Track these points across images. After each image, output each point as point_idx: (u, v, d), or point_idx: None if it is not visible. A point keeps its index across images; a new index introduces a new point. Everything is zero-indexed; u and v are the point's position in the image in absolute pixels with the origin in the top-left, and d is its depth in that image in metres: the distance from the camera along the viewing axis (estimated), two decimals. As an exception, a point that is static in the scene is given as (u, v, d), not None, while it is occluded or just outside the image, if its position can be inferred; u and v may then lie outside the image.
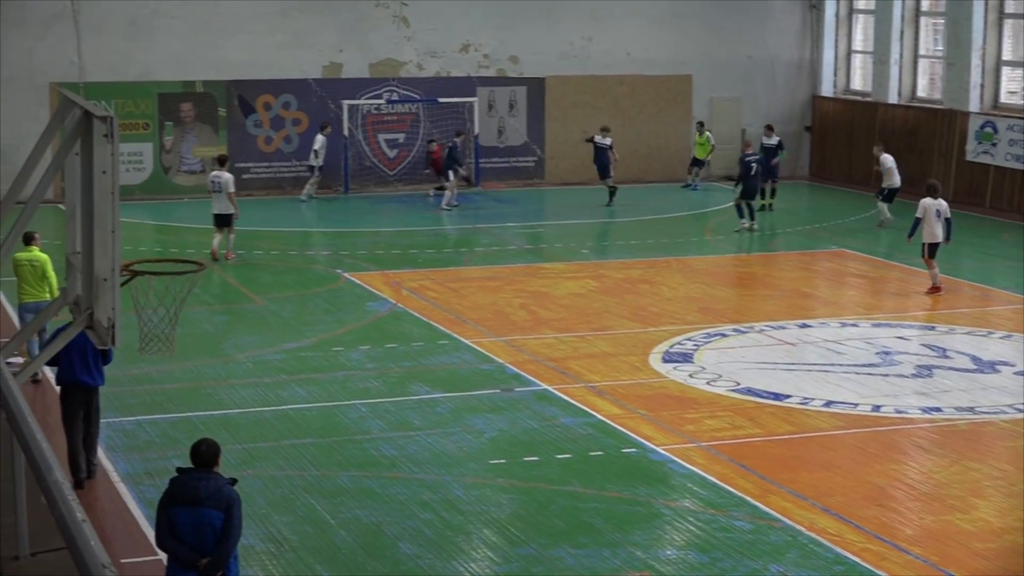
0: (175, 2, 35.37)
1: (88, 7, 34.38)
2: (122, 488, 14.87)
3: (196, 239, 30.03)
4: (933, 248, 24.72)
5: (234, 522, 9.94)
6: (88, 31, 34.43)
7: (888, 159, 32.42)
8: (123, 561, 12.46)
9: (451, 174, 33.89)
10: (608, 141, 35.23)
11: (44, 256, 18.98)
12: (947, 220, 24.74)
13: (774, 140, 35.21)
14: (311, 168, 35.22)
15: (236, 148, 36.11)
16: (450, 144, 34.43)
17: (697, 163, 38.01)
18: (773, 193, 34.60)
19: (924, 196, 24.97)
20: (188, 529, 9.92)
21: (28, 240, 18.81)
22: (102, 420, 16.67)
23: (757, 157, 31.96)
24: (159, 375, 18.98)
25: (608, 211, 34.18)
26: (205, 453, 10.10)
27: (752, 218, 30.90)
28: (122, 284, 10.70)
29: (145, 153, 35.51)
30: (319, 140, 34.87)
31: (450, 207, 33.69)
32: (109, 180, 10.00)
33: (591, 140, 35.57)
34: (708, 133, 37.72)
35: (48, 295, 18.35)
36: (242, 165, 36.13)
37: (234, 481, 10.19)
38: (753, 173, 31.10)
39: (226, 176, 27.30)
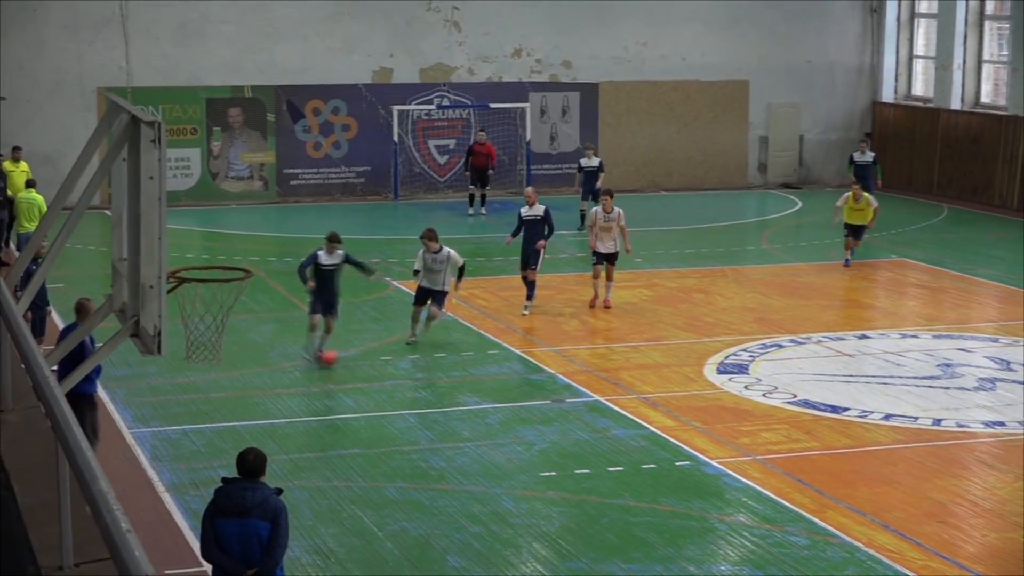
0: (225, 7, 35.57)
1: (137, 11, 34.63)
2: (167, 498, 14.94)
3: (244, 246, 30.22)
4: None
5: (281, 532, 9.94)
6: (137, 36, 34.68)
7: None
8: (168, 572, 12.52)
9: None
10: (596, 161, 32.76)
11: (40, 197, 25.20)
12: None
13: (869, 156, 33.73)
14: None
15: (284, 154, 36.32)
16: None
17: (854, 232, 28.57)
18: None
19: None
20: (234, 540, 9.93)
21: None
22: (148, 429, 16.81)
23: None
24: (205, 384, 19.07)
25: (661, 217, 34.00)
26: (252, 463, 10.10)
27: None
28: (168, 291, 10.76)
29: (193, 159, 35.72)
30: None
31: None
32: (156, 186, 10.05)
33: (580, 169, 32.93)
34: (868, 195, 28.62)
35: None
36: (290, 171, 36.37)
37: (280, 491, 10.20)
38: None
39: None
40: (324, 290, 20.15)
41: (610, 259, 23.77)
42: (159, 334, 10.26)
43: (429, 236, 21.33)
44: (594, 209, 24.47)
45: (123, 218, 10.70)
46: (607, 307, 23.81)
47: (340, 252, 20.35)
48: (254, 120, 36.11)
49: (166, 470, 15.84)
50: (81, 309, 15.15)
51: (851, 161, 34.13)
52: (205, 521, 10.16)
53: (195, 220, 33.04)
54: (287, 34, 36.10)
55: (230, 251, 29.53)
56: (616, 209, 23.80)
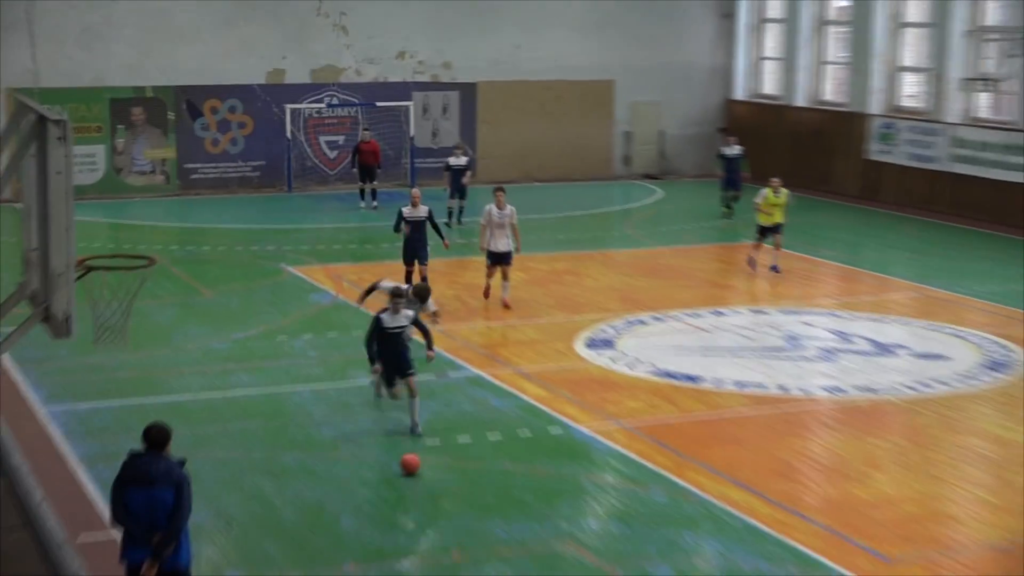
0: (127, 11, 35.13)
1: (43, 16, 34.03)
2: (78, 470, 14.81)
3: (147, 236, 29.95)
4: None
5: (183, 500, 9.91)
6: (43, 39, 34.06)
7: None
8: (80, 538, 12.46)
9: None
10: (464, 160, 31.69)
11: None
12: None
13: (736, 150, 32.96)
14: None
15: (184, 150, 35.97)
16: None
17: (769, 232, 26.39)
18: (736, 200, 32.65)
19: None
20: (141, 508, 9.89)
21: None
22: (60, 407, 16.66)
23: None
24: (113, 364, 18.86)
25: (535, 206, 34.03)
26: (156, 436, 10.08)
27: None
28: (77, 279, 10.69)
29: (98, 155, 35.27)
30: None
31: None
32: (63, 180, 9.99)
33: (448, 167, 31.60)
34: (785, 191, 26.60)
35: None
36: (190, 166, 36.05)
37: (183, 462, 10.16)
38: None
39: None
40: (392, 355, 16.17)
41: (505, 259, 22.62)
42: (68, 318, 10.21)
43: (426, 296, 17.48)
44: (488, 207, 22.99)
45: (33, 211, 10.62)
46: (507, 307, 22.61)
47: (409, 312, 16.34)
48: (155, 118, 35.71)
49: (78, 444, 15.69)
50: None
51: (719, 155, 33.72)
52: (114, 490, 10.10)
53: (101, 212, 32.60)
54: (186, 37, 35.71)
55: (135, 241, 29.20)
56: (509, 207, 22.87)
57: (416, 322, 16.36)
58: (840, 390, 18.44)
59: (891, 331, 21.77)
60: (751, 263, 26.28)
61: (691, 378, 18.77)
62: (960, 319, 22.61)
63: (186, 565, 10.05)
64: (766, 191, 26.22)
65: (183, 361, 19.54)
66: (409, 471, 14.66)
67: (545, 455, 15.59)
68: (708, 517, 13.73)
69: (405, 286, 17.71)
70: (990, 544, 13.30)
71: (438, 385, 18.39)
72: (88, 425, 16.46)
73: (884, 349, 20.60)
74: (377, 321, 16.07)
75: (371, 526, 13.42)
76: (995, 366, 19.69)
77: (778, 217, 26.11)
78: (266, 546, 12.92)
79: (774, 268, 26.09)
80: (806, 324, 22.16)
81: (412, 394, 16.14)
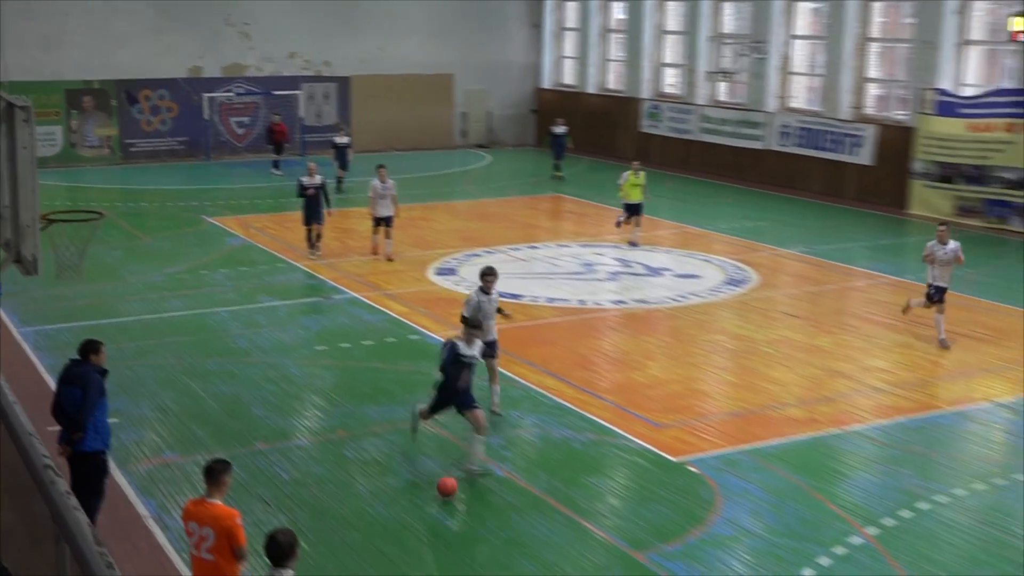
0: (78, 23, 33.71)
1: (10, 26, 32.46)
2: (46, 376, 14.31)
3: (97, 196, 28.89)
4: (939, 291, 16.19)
5: (87, 397, 9.63)
6: (10, 44, 32.48)
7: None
8: (48, 428, 12.03)
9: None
10: (347, 139, 29.59)
11: None
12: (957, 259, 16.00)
13: (562, 129, 32.34)
14: None
15: (125, 129, 34.75)
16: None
17: (633, 210, 23.03)
18: (559, 167, 32.06)
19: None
20: (66, 401, 9.75)
21: None
22: (31, 328, 16.02)
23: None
24: (72, 294, 18.25)
25: (395, 170, 33.59)
26: (81, 348, 9.97)
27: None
28: (41, 229, 10.26)
29: (56, 133, 33.85)
30: None
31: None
32: (29, 153, 9.58)
33: (334, 145, 29.70)
34: (643, 172, 23.22)
35: None
36: (129, 141, 34.84)
37: (103, 372, 9.86)
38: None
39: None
40: (459, 383, 11.71)
41: (388, 221, 21.45)
42: (36, 260, 9.80)
43: (492, 272, 13.56)
44: (373, 182, 21.45)
45: (5, 177, 10.15)
46: (391, 260, 21.11)
47: (480, 343, 11.91)
48: (102, 105, 34.37)
49: (45, 357, 15.17)
50: None
51: (550, 132, 32.99)
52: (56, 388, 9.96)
53: (60, 178, 31.36)
54: (124, 42, 34.40)
55: (87, 199, 28.14)
56: (390, 180, 21.56)
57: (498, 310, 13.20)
58: (623, 302, 18.69)
59: (659, 258, 22.08)
60: (619, 225, 23.35)
61: (514, 295, 18.82)
62: (709, 248, 23.03)
63: (92, 451, 9.71)
64: (627, 173, 22.97)
65: (128, 291, 18.95)
66: (445, 493, 10.99)
67: (406, 356, 15.52)
68: (528, 399, 13.84)
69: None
70: (731, 412, 13.63)
71: (324, 305, 18.17)
72: (54, 342, 15.90)
73: (654, 271, 20.90)
74: (453, 346, 11.74)
75: (275, 414, 13.22)
76: (734, 283, 20.12)
77: (638, 196, 22.88)
78: (195, 430, 12.65)
79: (632, 243, 22.82)
80: (597, 254, 22.35)
81: (478, 430, 11.58)
